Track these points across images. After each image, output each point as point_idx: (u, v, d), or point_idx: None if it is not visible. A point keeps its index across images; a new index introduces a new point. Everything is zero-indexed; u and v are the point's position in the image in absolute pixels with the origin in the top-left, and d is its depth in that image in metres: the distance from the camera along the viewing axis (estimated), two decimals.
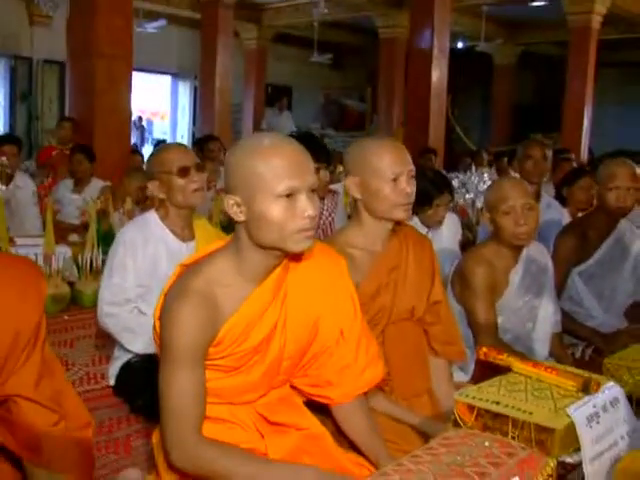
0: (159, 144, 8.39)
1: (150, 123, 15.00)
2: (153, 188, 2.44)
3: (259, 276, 1.48)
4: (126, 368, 2.48)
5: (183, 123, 14.07)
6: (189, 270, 1.48)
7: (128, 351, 2.47)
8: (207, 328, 1.42)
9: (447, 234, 3.46)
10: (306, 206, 1.37)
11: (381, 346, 1.89)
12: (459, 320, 2.29)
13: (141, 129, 13.51)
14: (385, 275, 1.93)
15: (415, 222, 3.19)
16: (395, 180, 1.84)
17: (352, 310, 1.65)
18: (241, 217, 1.41)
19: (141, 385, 2.31)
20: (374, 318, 1.91)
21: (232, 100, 10.17)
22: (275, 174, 1.36)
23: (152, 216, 2.51)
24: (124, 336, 2.44)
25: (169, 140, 13.55)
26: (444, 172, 5.15)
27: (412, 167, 1.87)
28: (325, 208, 3.29)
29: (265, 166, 1.36)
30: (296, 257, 1.55)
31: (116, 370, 2.53)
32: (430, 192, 3.17)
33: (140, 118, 13.45)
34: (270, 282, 1.49)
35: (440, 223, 3.32)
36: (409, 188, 1.85)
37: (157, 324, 1.49)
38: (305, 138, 2.73)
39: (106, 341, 2.92)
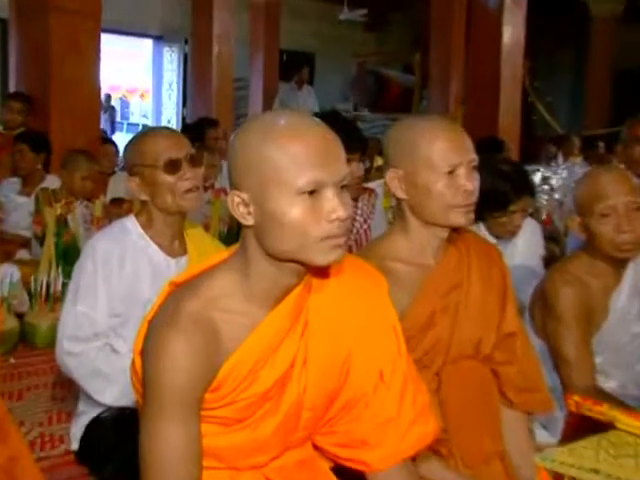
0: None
1: (125, 103, 15.25)
2: (133, 187, 2.47)
3: (272, 298, 1.50)
4: (93, 426, 2.49)
5: (170, 103, 14.25)
6: (181, 290, 1.50)
7: (96, 404, 2.47)
8: (204, 366, 1.44)
9: (524, 247, 3.46)
10: (335, 206, 1.39)
11: (435, 394, 1.90)
12: (541, 359, 2.29)
13: (110, 111, 13.70)
14: (440, 298, 1.94)
15: (479, 231, 3.16)
16: (451, 173, 1.86)
17: (395, 345, 1.67)
18: (249, 220, 1.43)
19: (112, 448, 2.31)
20: (426, 356, 1.92)
21: (235, 73, 10.25)
22: (294, 164, 1.38)
23: (131, 223, 2.53)
24: (91, 383, 2.45)
25: (152, 125, 13.75)
26: (522, 166, 5.13)
27: (474, 156, 1.89)
28: (359, 212, 3.31)
29: (281, 153, 1.38)
30: (321, 274, 1.57)
31: (80, 430, 2.54)
32: (504, 194, 3.18)
33: (109, 97, 13.67)
34: (287, 306, 1.51)
35: (515, 233, 3.33)
36: (470, 184, 1.87)
37: (137, 361, 1.50)
38: (331, 120, 2.75)
39: (67, 391, 2.95)
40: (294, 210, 1.38)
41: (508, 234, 3.31)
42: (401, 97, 13.57)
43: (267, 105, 11.68)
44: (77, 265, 2.53)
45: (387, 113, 12.62)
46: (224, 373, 1.47)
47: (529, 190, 3.32)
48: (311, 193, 1.38)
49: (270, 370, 1.51)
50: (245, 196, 1.42)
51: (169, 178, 2.41)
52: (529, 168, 6.23)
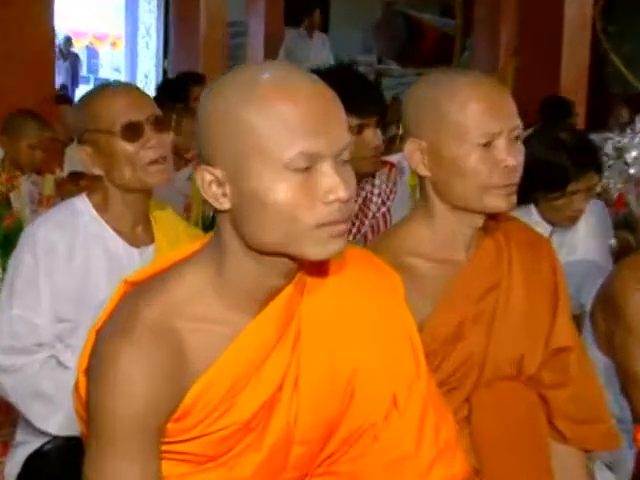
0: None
1: (93, 53, 15.27)
2: (84, 158, 2.47)
3: (255, 302, 1.50)
4: (34, 461, 2.48)
5: (147, 54, 14.34)
6: (138, 291, 1.50)
7: (38, 432, 2.47)
8: (165, 390, 1.43)
9: (588, 237, 3.47)
10: (333, 183, 1.38)
11: (465, 425, 1.90)
12: (605, 381, 2.30)
13: (72, 59, 13.74)
14: (472, 303, 1.94)
15: (530, 216, 3.18)
16: (488, 145, 1.85)
17: (412, 362, 1.65)
18: (224, 203, 1.43)
19: None
20: (453, 377, 1.92)
21: (228, 15, 10.25)
22: (282, 131, 1.37)
23: (82, 204, 2.54)
24: (32, 406, 2.45)
25: (125, 81, 13.75)
26: (587, 134, 5.09)
27: (517, 122, 1.88)
28: (376, 192, 3.28)
29: (265, 118, 1.37)
30: (317, 271, 1.56)
31: (17, 465, 2.52)
32: (562, 169, 3.16)
33: (69, 40, 13.70)
34: (273, 312, 1.50)
35: (575, 219, 3.32)
36: (512, 158, 1.86)
37: (82, 381, 1.51)
38: (338, 74, 2.72)
39: (4, 416, 2.94)
40: (281, 189, 1.37)
41: (567, 220, 3.30)
42: (437, 47, 13.50)
43: (270, 56, 11.64)
44: (13, 258, 2.53)
45: (419, 67, 12.57)
46: (192, 398, 1.46)
47: (594, 165, 3.29)
48: (304, 169, 1.37)
49: (252, 394, 1.50)
50: (219, 173, 1.41)
51: (128, 147, 2.41)
52: (597, 137, 6.19)
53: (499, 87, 1.92)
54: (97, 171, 2.47)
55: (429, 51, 13.53)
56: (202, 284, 1.48)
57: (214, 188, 1.42)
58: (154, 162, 2.42)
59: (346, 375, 1.59)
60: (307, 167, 1.37)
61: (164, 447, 1.48)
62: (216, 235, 1.50)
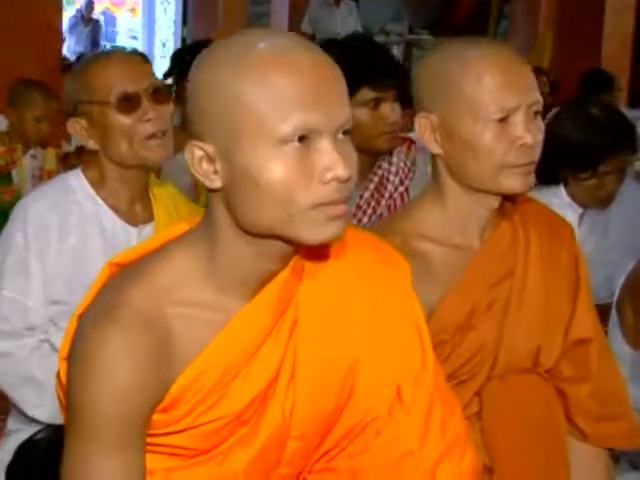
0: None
1: (110, 20, 15.27)
2: (77, 131, 2.47)
3: (248, 287, 1.49)
4: (25, 450, 2.49)
5: (165, 20, 14.29)
6: (124, 274, 1.50)
7: (30, 420, 2.49)
8: (150, 378, 1.43)
9: (622, 221, 3.45)
10: (332, 160, 1.36)
11: (475, 420, 1.90)
12: (631, 375, 2.31)
13: (93, 25, 13.74)
14: (485, 290, 1.93)
15: (559, 197, 3.19)
16: (504, 120, 1.83)
17: (419, 352, 1.64)
18: (215, 182, 1.42)
19: (48, 477, 2.33)
20: (463, 368, 1.91)
21: None
22: (276, 103, 1.35)
23: (78, 180, 2.54)
24: (22, 393, 2.46)
25: (142, 49, 13.74)
26: (620, 110, 5.06)
27: (536, 97, 1.86)
28: (394, 170, 3.27)
29: (258, 89, 1.36)
30: (316, 254, 1.56)
31: (8, 454, 2.53)
32: (594, 147, 3.15)
33: (90, 5, 13.66)
34: (268, 297, 1.50)
35: (609, 201, 3.30)
36: (530, 136, 1.83)
37: (62, 368, 1.51)
38: (354, 44, 2.70)
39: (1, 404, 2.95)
40: (275, 167, 1.35)
41: (599, 202, 3.29)
42: (473, 15, 13.35)
43: (294, 26, 11.62)
44: (3, 236, 2.54)
45: (453, 36, 12.44)
46: (179, 387, 1.45)
47: (629, 143, 3.27)
48: (300, 141, 1.36)
49: (244, 384, 1.50)
50: (209, 148, 1.40)
51: (124, 119, 2.40)
52: (634, 114, 6.15)
53: (517, 58, 1.89)
54: (92, 145, 2.46)
55: (463, 19, 13.34)
56: (192, 267, 1.48)
57: (205, 165, 1.41)
58: (152, 136, 2.41)
59: (346, 365, 1.58)
60: (303, 143, 1.36)
61: (150, 439, 1.47)
62: (208, 215, 1.49)
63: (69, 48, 12.69)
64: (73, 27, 13.49)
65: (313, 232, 1.39)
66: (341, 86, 1.41)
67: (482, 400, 1.94)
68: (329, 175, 1.36)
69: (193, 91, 1.43)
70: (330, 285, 1.58)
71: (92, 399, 1.41)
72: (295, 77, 1.36)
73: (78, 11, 13.85)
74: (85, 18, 13.55)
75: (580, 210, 3.25)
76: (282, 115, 1.35)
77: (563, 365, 2.01)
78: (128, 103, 2.39)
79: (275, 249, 1.44)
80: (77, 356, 1.44)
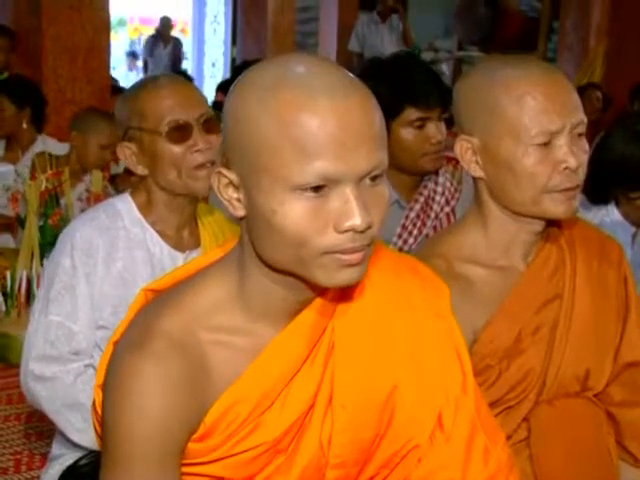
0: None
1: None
2: (127, 156, 2.46)
3: (281, 313, 1.48)
4: (69, 476, 2.48)
5: (215, 40, 14.40)
6: (158, 301, 1.50)
7: (74, 445, 2.48)
8: (185, 407, 1.42)
9: None
10: (348, 211, 1.32)
11: (524, 447, 1.88)
12: None
13: (174, 44, 13.35)
14: (532, 314, 1.92)
15: (611, 216, 3.17)
16: (547, 144, 1.81)
17: (459, 378, 1.62)
18: (239, 210, 1.41)
19: None
20: (511, 394, 1.89)
21: (299, 1, 10.25)
22: (296, 150, 1.31)
23: (126, 205, 2.53)
24: (67, 418, 2.45)
25: (191, 70, 13.82)
26: None
27: (580, 117, 1.84)
28: (439, 190, 3.25)
29: (279, 133, 1.32)
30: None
31: (52, 478, 2.53)
32: None
33: (168, 22, 13.35)
34: (303, 323, 1.49)
35: None
36: (573, 159, 1.81)
37: (98, 397, 1.50)
38: (398, 63, 2.68)
39: (46, 425, 2.96)
40: (288, 212, 1.32)
41: None
42: (522, 30, 13.34)
43: (343, 44, 11.62)
44: (50, 261, 2.53)
45: (503, 52, 12.42)
46: (214, 415, 1.45)
47: None
48: (316, 191, 1.32)
49: (280, 412, 1.49)
50: (234, 177, 1.39)
51: (174, 148, 2.39)
52: None
53: (559, 77, 1.86)
54: (141, 171, 2.45)
55: (513, 35, 13.34)
56: (225, 294, 1.47)
57: (230, 191, 1.40)
58: (201, 166, 2.40)
59: (385, 391, 1.56)
60: (321, 192, 1.32)
61: (185, 469, 1.46)
62: (239, 243, 1.48)
63: (151, 71, 12.64)
64: (153, 48, 13.36)
65: (326, 277, 1.37)
66: (372, 132, 1.34)
67: (530, 426, 1.91)
68: (346, 225, 1.32)
69: (223, 118, 1.42)
70: (367, 310, 1.56)
71: (126, 430, 1.41)
72: (316, 124, 1.31)
73: (157, 31, 13.72)
74: (160, 37, 13.40)
75: (632, 229, 3.21)
76: (300, 163, 1.31)
77: (613, 389, 1.99)
78: (179, 133, 2.38)
79: (295, 284, 1.43)
80: (110, 385, 1.44)
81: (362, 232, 1.33)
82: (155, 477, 1.42)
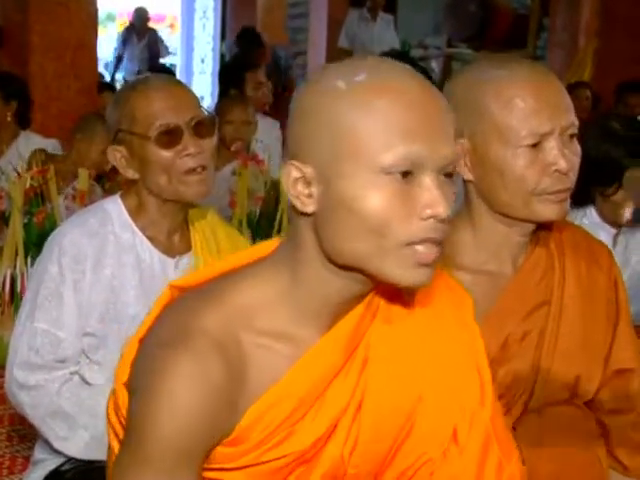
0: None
1: None
2: (117, 159, 2.44)
3: (322, 319, 1.47)
4: None
5: (204, 36, 14.35)
6: (193, 297, 1.48)
7: (56, 452, 2.47)
8: (220, 409, 1.40)
9: None
10: (433, 198, 1.34)
11: None
12: None
13: (150, 36, 12.68)
14: (520, 320, 1.92)
15: (590, 218, 3.20)
16: (536, 146, 1.80)
17: (478, 391, 1.62)
18: (308, 206, 1.40)
19: None
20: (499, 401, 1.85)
21: None
22: (384, 131, 1.34)
23: (116, 208, 2.50)
24: (50, 426, 2.43)
25: (180, 66, 13.78)
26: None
27: (571, 119, 1.83)
28: None
29: (366, 115, 1.34)
30: (392, 294, 1.54)
31: None
32: (615, 161, 3.14)
33: (143, 15, 12.76)
34: (342, 331, 1.48)
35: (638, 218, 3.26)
36: (563, 161, 1.80)
37: (122, 395, 1.48)
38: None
39: (30, 428, 2.95)
40: (373, 196, 1.33)
41: (629, 219, 3.26)
42: (512, 28, 13.34)
43: (333, 41, 11.62)
44: (37, 266, 2.51)
45: (493, 50, 12.45)
46: (249, 420, 1.43)
47: None
48: (403, 175, 1.33)
49: (313, 422, 1.48)
50: (309, 170, 1.38)
51: (164, 153, 2.35)
52: None
53: (549, 78, 1.86)
54: (131, 175, 2.43)
55: (503, 32, 13.37)
56: (273, 293, 1.45)
57: (300, 187, 1.39)
58: (191, 171, 2.36)
59: (411, 402, 1.56)
60: (406, 175, 1.34)
61: (206, 474, 1.44)
62: (290, 240, 1.46)
63: (126, 69, 12.30)
64: (126, 43, 12.65)
65: (399, 272, 1.36)
66: (450, 125, 1.38)
67: (518, 435, 1.86)
68: (428, 212, 1.33)
69: (298, 112, 1.42)
70: (402, 326, 1.56)
71: (155, 428, 1.37)
72: (404, 105, 1.34)
73: (128, 28, 13.04)
74: (136, 30, 12.70)
75: (613, 231, 3.24)
76: (387, 144, 1.33)
77: (603, 396, 1.98)
78: (168, 137, 2.35)
79: (355, 283, 1.43)
80: (142, 382, 1.40)
81: (442, 222, 1.34)
82: (178, 473, 1.39)
